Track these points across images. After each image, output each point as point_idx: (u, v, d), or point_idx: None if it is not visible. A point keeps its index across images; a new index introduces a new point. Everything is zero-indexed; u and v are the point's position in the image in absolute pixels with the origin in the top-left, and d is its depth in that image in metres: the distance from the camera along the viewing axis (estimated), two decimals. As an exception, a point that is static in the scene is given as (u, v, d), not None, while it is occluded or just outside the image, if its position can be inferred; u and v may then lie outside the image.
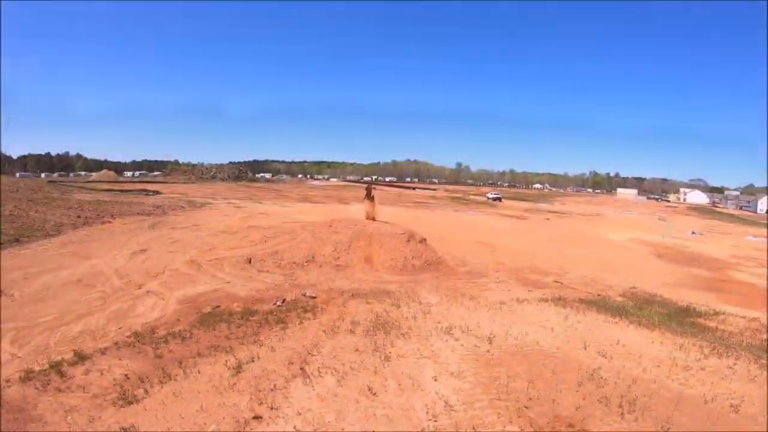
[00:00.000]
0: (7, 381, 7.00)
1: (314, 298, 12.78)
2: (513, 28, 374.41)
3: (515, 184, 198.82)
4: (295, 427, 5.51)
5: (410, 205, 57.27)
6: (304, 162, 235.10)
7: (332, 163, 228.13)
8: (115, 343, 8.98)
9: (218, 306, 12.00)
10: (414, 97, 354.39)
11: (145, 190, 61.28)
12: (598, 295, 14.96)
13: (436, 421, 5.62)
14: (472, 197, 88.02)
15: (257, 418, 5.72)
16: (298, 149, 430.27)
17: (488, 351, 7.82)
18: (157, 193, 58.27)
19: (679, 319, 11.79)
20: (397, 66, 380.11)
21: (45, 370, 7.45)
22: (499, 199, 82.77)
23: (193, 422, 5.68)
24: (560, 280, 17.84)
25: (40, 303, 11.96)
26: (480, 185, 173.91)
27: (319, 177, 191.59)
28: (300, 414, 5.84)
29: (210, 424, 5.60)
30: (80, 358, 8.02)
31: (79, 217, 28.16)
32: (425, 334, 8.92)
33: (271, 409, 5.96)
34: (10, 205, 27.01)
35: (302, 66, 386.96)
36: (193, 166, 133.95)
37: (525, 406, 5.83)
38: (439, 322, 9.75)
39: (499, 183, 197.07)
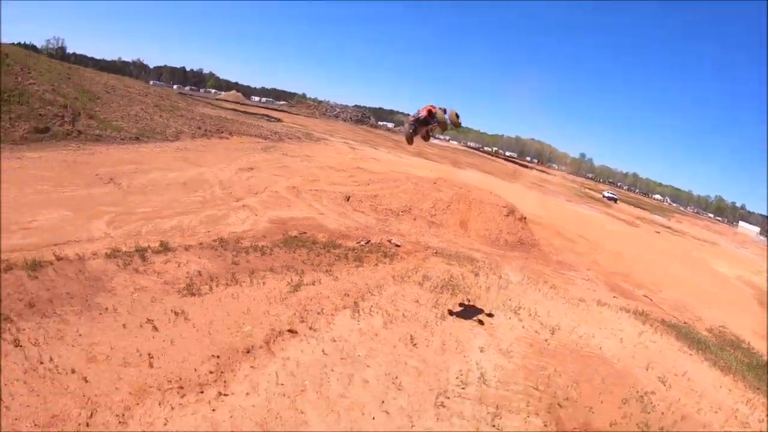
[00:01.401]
0: (94, 254, 8.05)
1: (398, 246, 12.85)
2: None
3: (635, 189, 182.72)
4: (323, 351, 5.67)
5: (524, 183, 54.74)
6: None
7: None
8: (200, 243, 9.87)
9: (305, 232, 12.57)
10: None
11: (267, 116, 65.19)
12: (684, 322, 13.46)
13: (463, 388, 5.53)
14: (586, 191, 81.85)
15: (292, 332, 5.99)
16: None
17: (546, 340, 7.58)
18: (278, 120, 61.78)
19: (759, 373, 10.23)
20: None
21: (130, 252, 8.43)
22: (615, 200, 76.50)
23: (234, 320, 6.14)
24: (651, 296, 16.15)
25: (142, 195, 13.43)
26: (599, 181, 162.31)
27: (441, 137, 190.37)
28: (334, 341, 6.03)
29: (247, 325, 5.98)
30: (165, 248, 8.95)
31: (199, 128, 30.80)
32: (491, 306, 8.70)
33: (310, 329, 6.23)
34: (137, 107, 29.89)
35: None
36: (319, 102, 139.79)
37: (559, 404, 5.61)
38: (510, 299, 9.49)
39: (619, 184, 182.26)
